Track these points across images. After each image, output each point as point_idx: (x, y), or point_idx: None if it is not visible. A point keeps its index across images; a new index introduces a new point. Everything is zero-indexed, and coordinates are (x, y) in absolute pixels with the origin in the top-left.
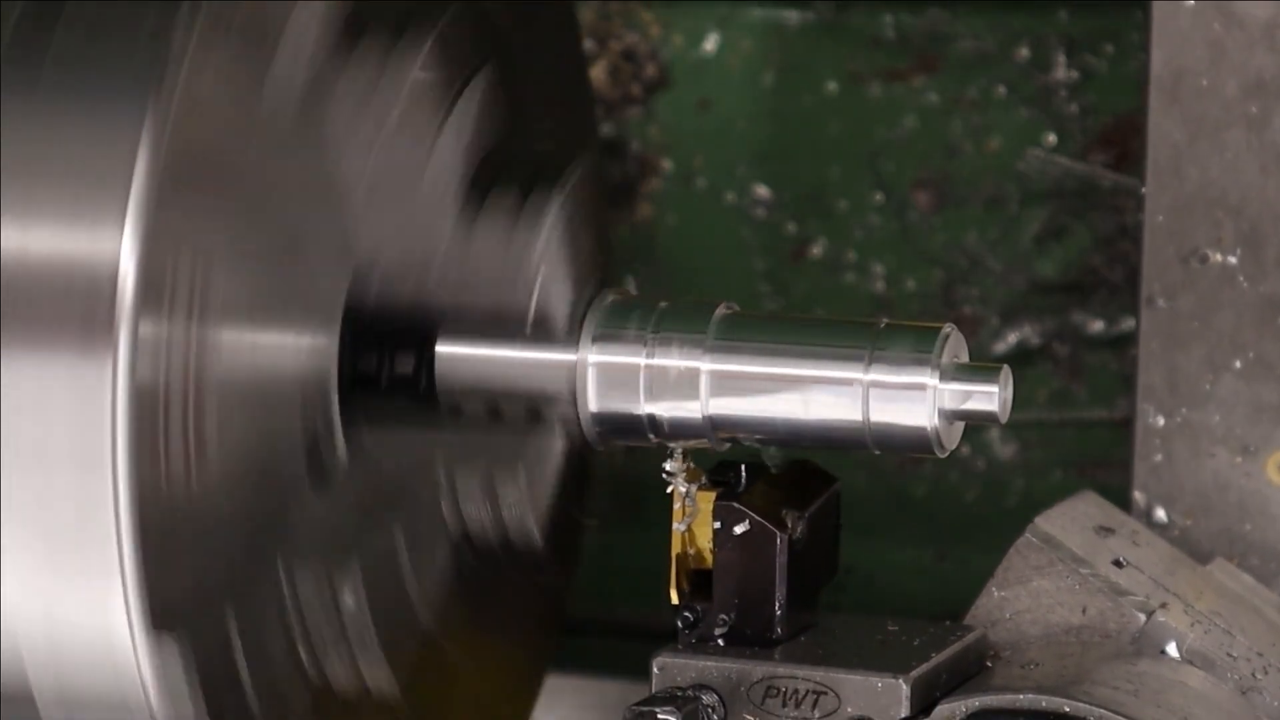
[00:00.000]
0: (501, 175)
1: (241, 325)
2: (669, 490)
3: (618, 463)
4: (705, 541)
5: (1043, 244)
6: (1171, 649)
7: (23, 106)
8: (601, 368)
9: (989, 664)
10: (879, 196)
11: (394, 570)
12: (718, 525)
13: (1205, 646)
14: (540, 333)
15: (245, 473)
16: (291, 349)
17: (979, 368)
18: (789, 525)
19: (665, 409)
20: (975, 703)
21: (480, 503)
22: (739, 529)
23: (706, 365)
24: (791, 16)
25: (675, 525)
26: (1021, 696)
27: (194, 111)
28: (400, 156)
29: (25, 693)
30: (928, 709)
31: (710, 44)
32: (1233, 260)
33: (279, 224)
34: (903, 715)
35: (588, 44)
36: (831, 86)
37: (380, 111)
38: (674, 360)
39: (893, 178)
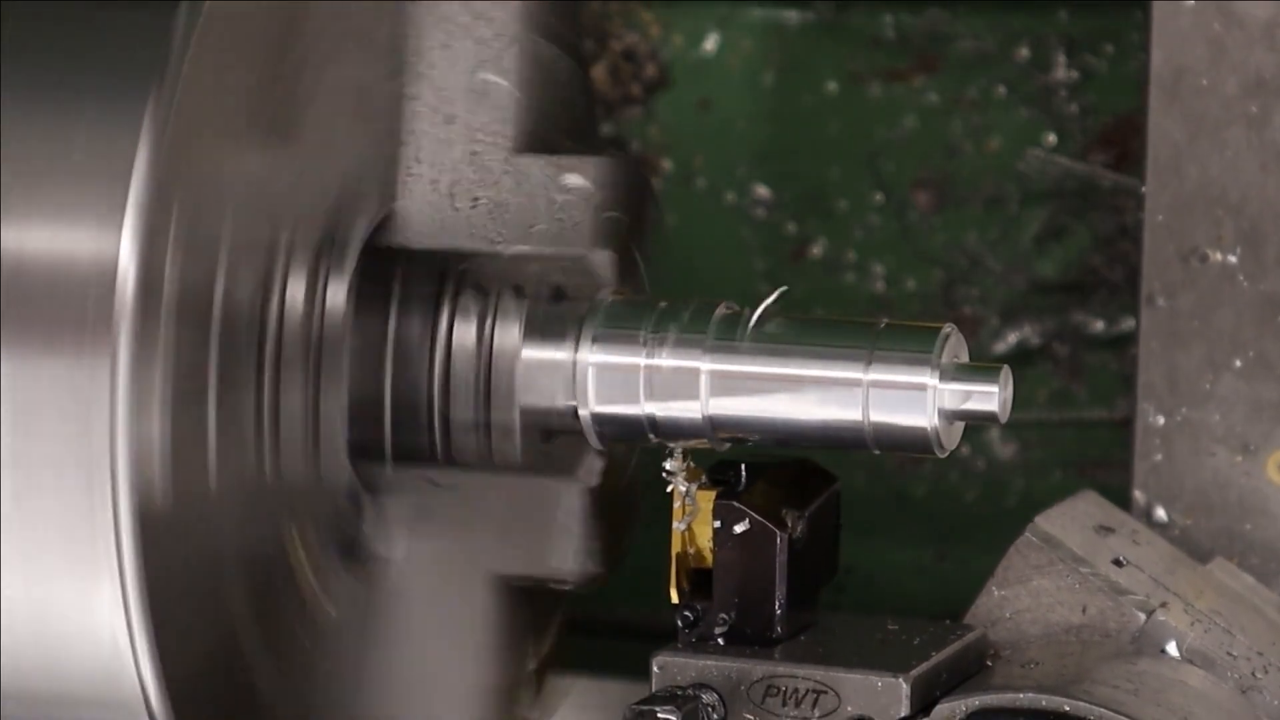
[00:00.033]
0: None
1: (241, 324)
2: (669, 489)
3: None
4: (705, 540)
5: (1043, 244)
6: (1171, 648)
7: (23, 106)
8: (601, 368)
9: (989, 663)
10: (879, 196)
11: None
12: (718, 524)
13: (1205, 645)
14: (540, 332)
15: (245, 471)
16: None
17: (979, 368)
18: (789, 524)
19: (665, 409)
20: (975, 702)
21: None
22: (739, 528)
23: (706, 365)
24: (791, 16)
25: (675, 524)
26: (1021, 695)
27: (194, 111)
28: (401, 154)
29: (25, 693)
30: (928, 708)
31: (710, 44)
32: (1233, 259)
33: (279, 223)
34: (903, 714)
35: (588, 44)
36: (831, 86)
37: (380, 110)
38: (674, 360)
39: (893, 178)
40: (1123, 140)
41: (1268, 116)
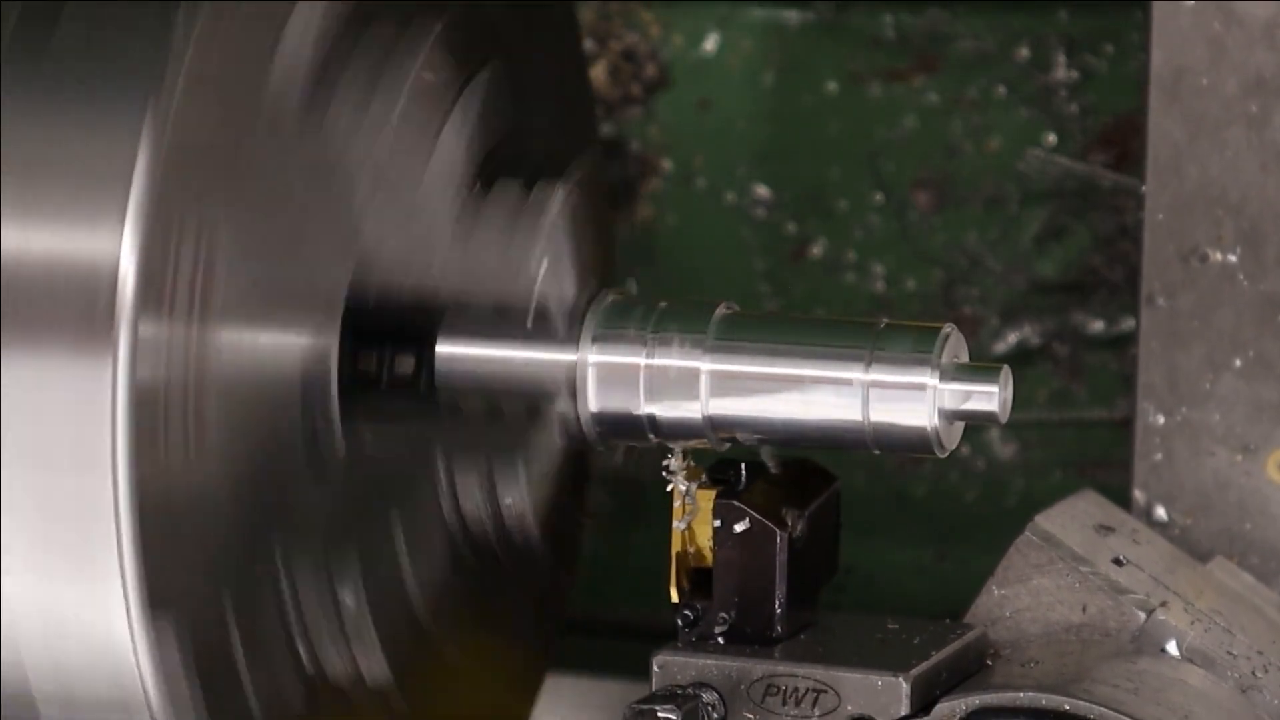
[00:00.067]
0: (502, 174)
1: (241, 324)
2: (669, 489)
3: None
4: (705, 540)
5: (1043, 244)
6: (1171, 647)
7: (23, 106)
8: (601, 368)
9: (989, 662)
10: (879, 196)
11: (392, 566)
12: (718, 523)
13: (1205, 645)
14: (540, 332)
15: (245, 471)
16: (291, 347)
17: (979, 368)
18: (789, 523)
19: (665, 409)
20: (975, 701)
21: (479, 499)
22: (739, 527)
23: (706, 365)
24: (791, 16)
25: (675, 523)
26: (1021, 695)
27: (194, 110)
28: (401, 154)
29: (25, 692)
30: (928, 707)
31: (710, 44)
32: (1233, 259)
33: (279, 222)
34: (903, 713)
35: (588, 44)
36: (831, 86)
37: (381, 109)
38: (674, 360)
39: (893, 178)
40: (1123, 140)
41: (1268, 116)
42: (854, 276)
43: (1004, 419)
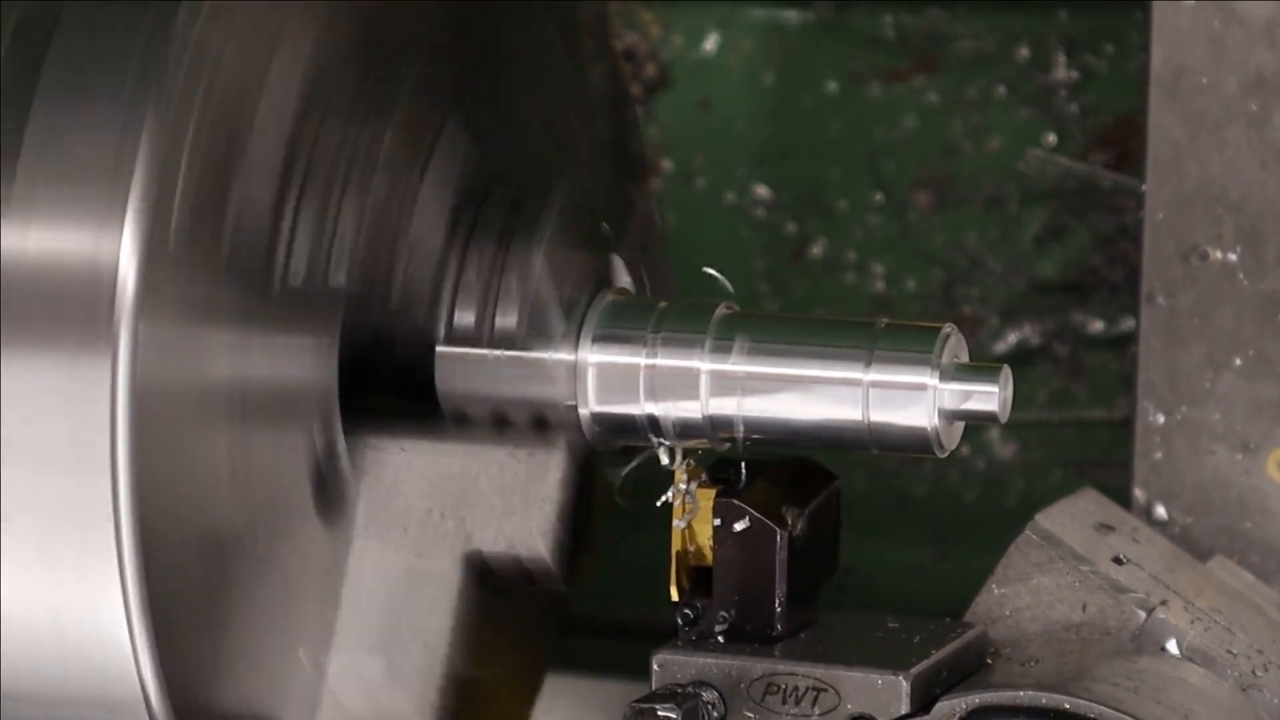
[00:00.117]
0: (501, 176)
1: (241, 326)
2: (669, 492)
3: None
4: (705, 539)
5: (1043, 244)
6: (1172, 646)
7: (23, 107)
8: (601, 368)
9: (989, 661)
10: (879, 196)
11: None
12: (718, 522)
13: (1205, 643)
14: (540, 333)
15: (245, 470)
16: (292, 348)
17: (979, 368)
18: (789, 522)
19: (665, 409)
20: (975, 699)
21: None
22: (739, 526)
23: (706, 365)
24: (791, 16)
25: (675, 522)
26: (1021, 693)
27: (194, 112)
28: (401, 154)
29: (25, 693)
30: (928, 706)
31: (710, 44)
32: (1233, 257)
33: (279, 224)
34: (903, 712)
35: (588, 44)
36: (831, 86)
37: (379, 111)
38: (674, 360)
39: (893, 178)
40: (1123, 140)
41: (1268, 115)
42: (854, 276)
43: (1004, 419)
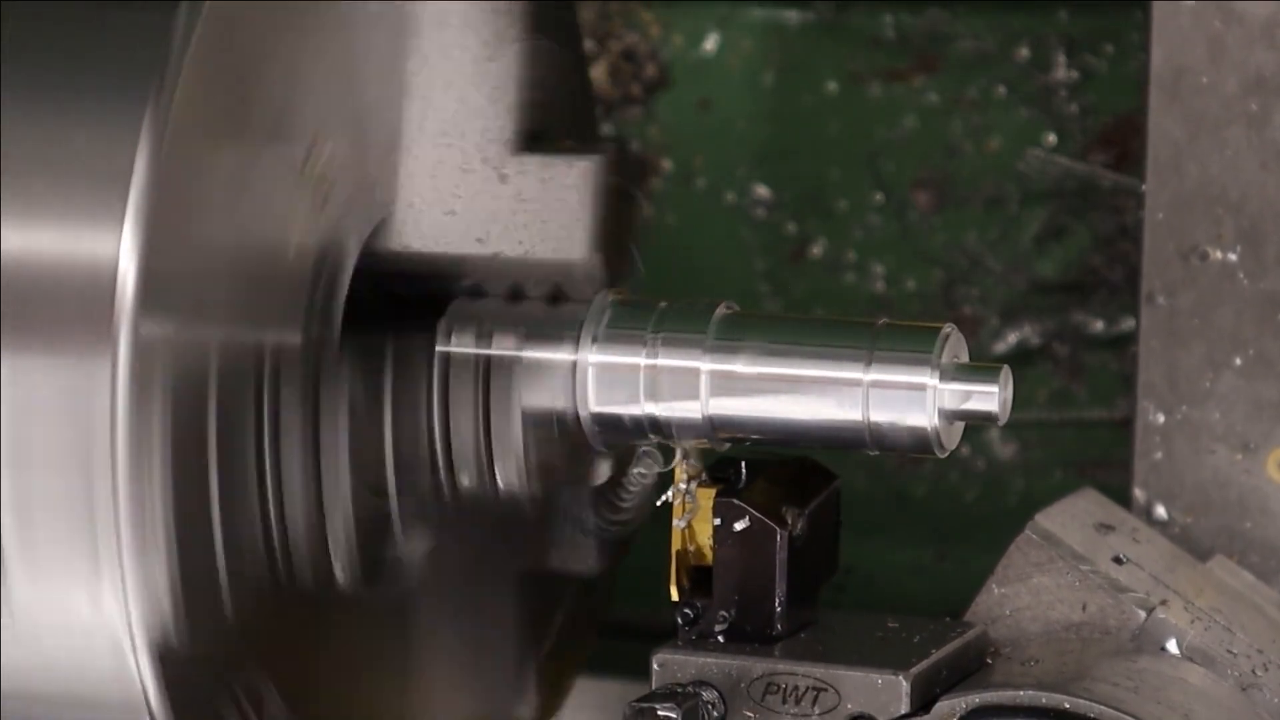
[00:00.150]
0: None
1: (241, 323)
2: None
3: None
4: (705, 538)
5: (1043, 244)
6: (1171, 646)
7: (23, 106)
8: (601, 368)
9: (989, 661)
10: (879, 196)
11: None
12: (718, 522)
13: (1205, 643)
14: (540, 332)
15: (245, 471)
16: (292, 347)
17: (979, 368)
18: (789, 522)
19: (665, 409)
20: (975, 699)
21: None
22: (739, 525)
23: (706, 365)
24: (791, 16)
25: (675, 522)
26: (1021, 693)
27: (194, 111)
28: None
29: (26, 692)
30: (928, 705)
31: (710, 44)
32: (1233, 257)
33: (279, 223)
34: (902, 712)
35: (588, 44)
36: (831, 86)
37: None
38: (674, 360)
39: (893, 178)
40: (1123, 140)
41: (1268, 115)
42: (854, 276)
43: (1004, 419)
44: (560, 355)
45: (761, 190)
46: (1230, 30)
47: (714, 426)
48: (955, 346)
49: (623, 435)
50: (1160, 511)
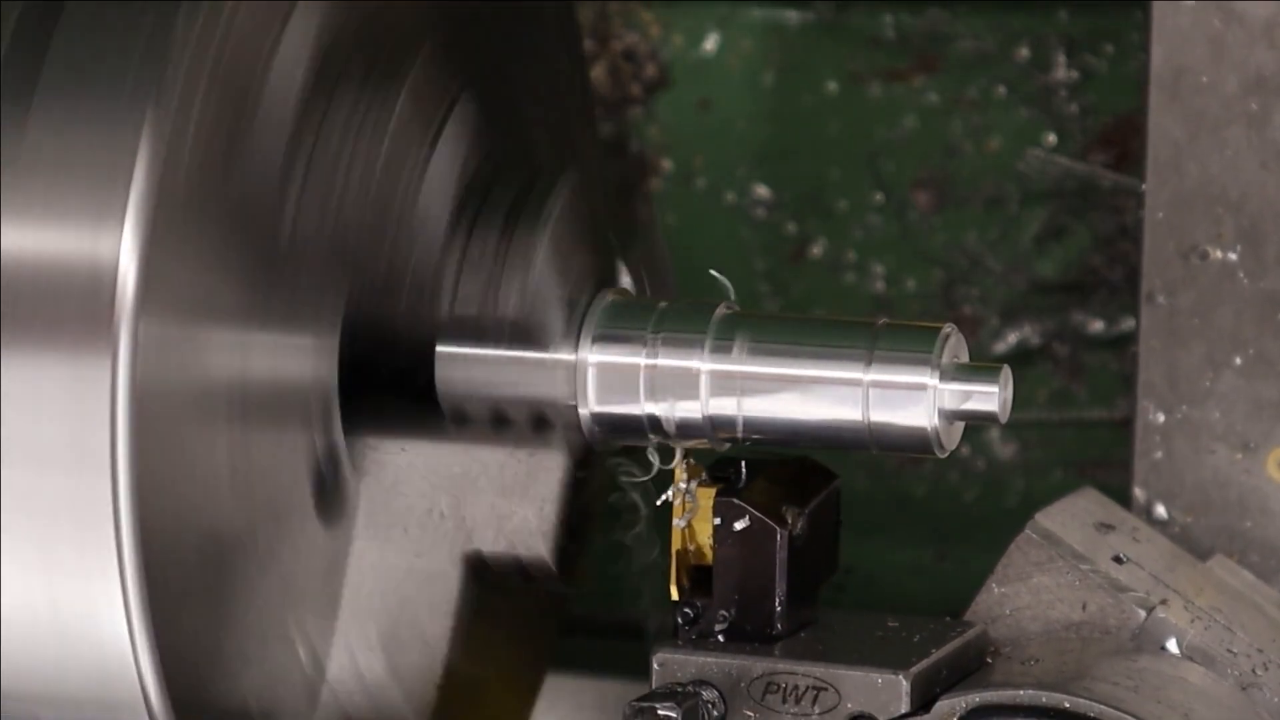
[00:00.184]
0: (500, 176)
1: (242, 326)
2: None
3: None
4: (705, 538)
5: (1043, 244)
6: (1172, 645)
7: (23, 106)
8: (601, 368)
9: (989, 660)
10: (879, 196)
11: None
12: (718, 521)
13: (1205, 643)
14: (540, 333)
15: (245, 470)
16: (292, 349)
17: (979, 368)
18: (789, 521)
19: (665, 409)
20: (975, 698)
21: (487, 519)
22: (739, 525)
23: (706, 365)
24: (791, 16)
25: (675, 521)
26: (1021, 692)
27: (194, 111)
28: (400, 156)
29: (25, 692)
30: (928, 705)
31: (710, 44)
32: (1233, 257)
33: (279, 224)
34: (902, 711)
35: (588, 44)
36: (831, 86)
37: (378, 114)
38: (674, 360)
39: (893, 178)
40: (1123, 140)
41: (1268, 115)
42: (854, 276)
43: (1004, 419)
44: (560, 355)
45: (761, 190)
46: (1230, 30)
47: (714, 426)
48: (955, 346)
49: (623, 435)
50: (1160, 511)
